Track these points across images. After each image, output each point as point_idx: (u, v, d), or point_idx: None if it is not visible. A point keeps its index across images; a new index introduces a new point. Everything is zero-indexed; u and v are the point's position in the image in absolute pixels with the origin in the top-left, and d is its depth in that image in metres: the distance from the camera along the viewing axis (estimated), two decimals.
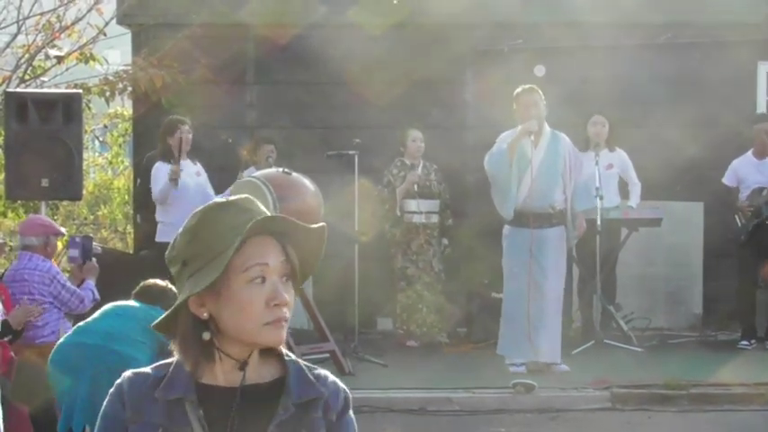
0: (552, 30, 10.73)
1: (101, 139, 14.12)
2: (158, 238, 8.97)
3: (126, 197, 14.06)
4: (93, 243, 7.69)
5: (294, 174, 8.67)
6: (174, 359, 2.19)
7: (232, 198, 2.18)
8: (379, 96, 10.52)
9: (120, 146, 13.73)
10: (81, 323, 5.69)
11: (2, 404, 5.03)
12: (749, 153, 9.95)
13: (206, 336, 2.12)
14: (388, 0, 10.72)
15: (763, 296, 9.85)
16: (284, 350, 2.19)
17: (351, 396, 2.23)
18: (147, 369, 2.20)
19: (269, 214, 2.16)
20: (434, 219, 9.88)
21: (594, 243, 9.20)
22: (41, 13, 11.14)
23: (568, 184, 8.58)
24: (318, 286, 10.27)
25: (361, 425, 6.88)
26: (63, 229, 7.87)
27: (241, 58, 10.91)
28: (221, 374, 2.15)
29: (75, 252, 7.55)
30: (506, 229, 8.57)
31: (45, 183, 8.46)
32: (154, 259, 8.27)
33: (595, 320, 9.48)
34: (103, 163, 15.18)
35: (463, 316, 10.16)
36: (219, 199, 2.19)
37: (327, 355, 8.79)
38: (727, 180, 9.89)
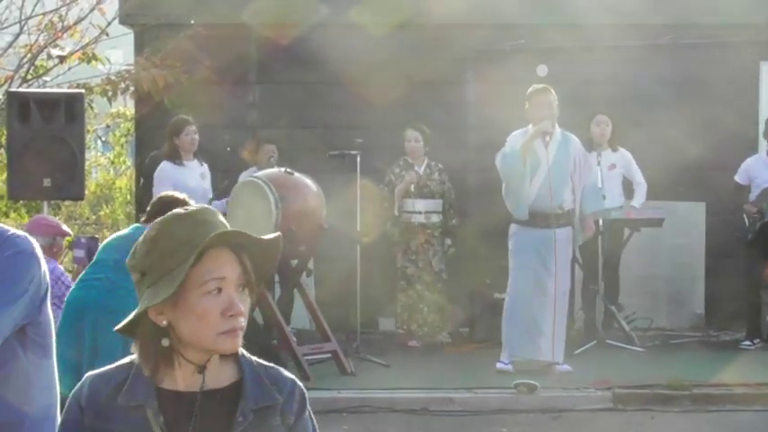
0: (554, 30, 10.72)
1: (103, 138, 14.13)
2: None
3: (128, 197, 14.07)
4: (99, 244, 7.68)
5: (296, 174, 8.67)
6: (132, 358, 2.24)
7: (191, 209, 2.23)
8: (380, 97, 10.50)
9: (122, 146, 13.74)
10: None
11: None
12: (763, 153, 9.99)
13: (165, 342, 2.18)
14: (390, 0, 10.71)
15: (764, 296, 9.85)
16: (241, 351, 2.25)
17: (306, 393, 2.29)
18: (110, 369, 2.25)
19: (226, 227, 2.21)
20: (435, 219, 9.86)
21: (597, 243, 9.21)
22: (44, 13, 11.14)
23: (577, 186, 8.60)
24: (320, 287, 10.26)
25: (363, 425, 6.92)
26: (69, 230, 7.87)
27: (243, 59, 10.91)
28: (181, 379, 2.21)
29: (80, 252, 7.55)
30: (513, 227, 8.57)
31: (47, 183, 8.47)
32: None
33: (597, 321, 9.49)
34: (106, 163, 15.19)
35: (465, 316, 10.15)
36: (180, 210, 2.23)
37: (329, 355, 8.79)
38: (739, 178, 9.89)
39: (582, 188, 8.62)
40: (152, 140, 9.78)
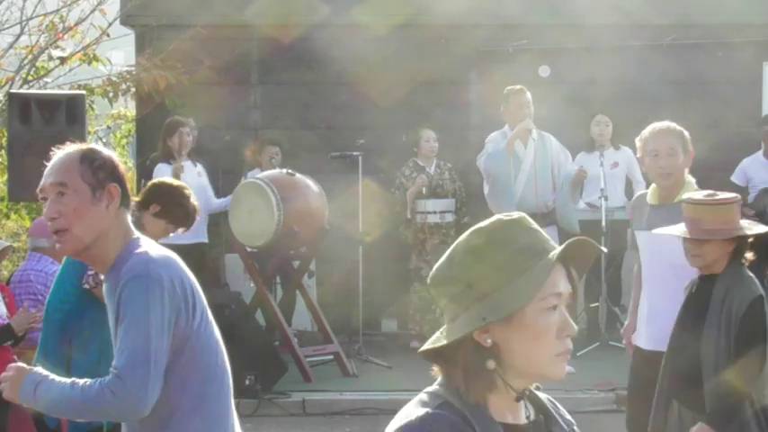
0: (556, 30, 10.72)
1: (104, 140, 14.10)
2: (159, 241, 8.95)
3: None
4: None
5: (298, 175, 8.67)
6: (435, 393, 2.01)
7: (515, 216, 2.03)
8: (383, 97, 10.51)
9: (123, 147, 13.70)
10: None
11: (5, 406, 5.01)
12: (759, 153, 9.96)
13: (490, 365, 1.95)
14: (393, 0, 10.71)
15: None
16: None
17: None
18: (444, 413, 1.95)
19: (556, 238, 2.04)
20: (449, 218, 9.84)
21: (599, 244, 9.14)
22: (45, 14, 11.12)
23: (557, 182, 8.64)
24: (322, 288, 10.26)
25: (365, 427, 6.87)
26: None
27: (245, 59, 10.91)
28: (507, 410, 2.00)
29: None
30: None
31: None
32: None
33: (600, 322, 9.47)
34: None
35: None
36: (503, 216, 2.03)
37: (331, 356, 8.79)
38: (735, 179, 9.88)
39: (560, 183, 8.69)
40: (153, 142, 9.76)
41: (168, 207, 5.09)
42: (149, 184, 5.40)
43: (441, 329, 2.03)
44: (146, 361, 2.79)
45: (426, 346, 2.02)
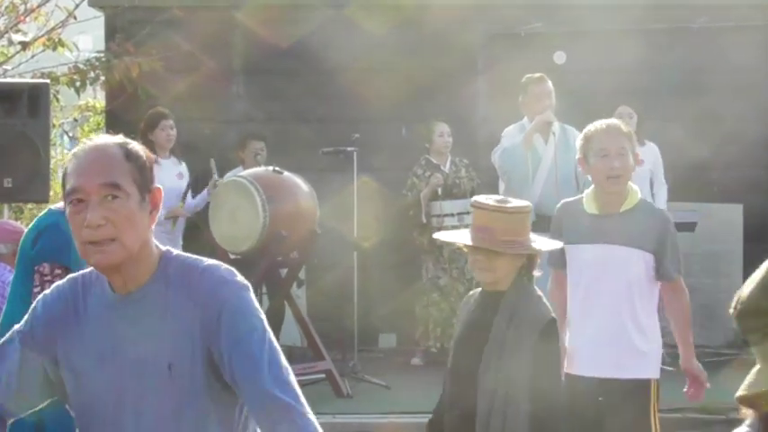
0: (573, 12, 10.73)
1: (70, 134, 14.11)
2: None
3: None
4: None
5: (286, 173, 8.67)
6: None
7: None
8: (380, 87, 10.51)
9: None
10: None
11: None
12: None
13: None
14: None
15: None
16: None
17: None
18: None
19: None
20: (468, 220, 9.78)
21: None
22: None
23: (581, 183, 8.62)
24: (313, 298, 10.25)
25: None
26: None
27: (227, 45, 10.91)
28: None
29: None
30: None
31: (8, 183, 8.43)
32: None
33: None
34: None
35: None
36: None
37: (323, 375, 8.78)
38: None
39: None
40: (125, 136, 9.77)
41: None
42: None
43: (754, 369, 1.92)
44: (289, 373, 2.82)
45: (745, 391, 1.89)
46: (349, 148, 9.33)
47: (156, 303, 2.83)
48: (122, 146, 2.85)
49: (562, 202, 5.52)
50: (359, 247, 9.43)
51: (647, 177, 9.87)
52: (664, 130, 10.19)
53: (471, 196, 9.80)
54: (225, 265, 2.88)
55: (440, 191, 9.73)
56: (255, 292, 9.42)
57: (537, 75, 8.61)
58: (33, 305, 2.99)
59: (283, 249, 8.62)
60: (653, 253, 5.16)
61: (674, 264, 5.27)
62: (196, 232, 9.31)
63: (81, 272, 2.96)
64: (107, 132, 11.33)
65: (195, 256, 2.91)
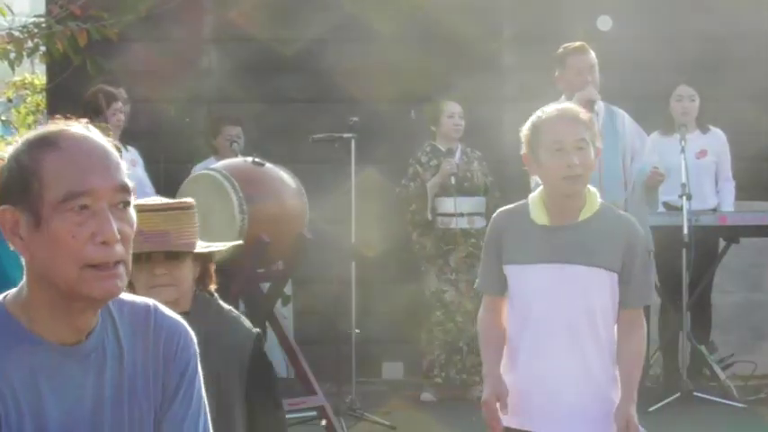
0: None
1: (3, 117, 14.08)
2: None
3: None
4: None
5: (268, 165, 8.59)
6: None
7: None
8: (383, 59, 10.53)
9: (29, 126, 13.66)
10: None
11: None
12: None
13: None
14: None
15: None
16: None
17: None
18: None
19: None
20: (479, 223, 9.80)
21: (680, 259, 9.24)
22: None
23: (630, 177, 8.59)
24: (301, 318, 10.20)
25: None
26: None
27: (195, 7, 10.84)
28: None
29: None
30: None
31: None
32: None
33: (682, 365, 9.47)
34: (7, 150, 15.21)
35: None
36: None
37: (314, 412, 8.74)
38: None
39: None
40: (69, 118, 9.69)
41: None
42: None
43: None
44: None
45: None
46: (345, 135, 9.29)
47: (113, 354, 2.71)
48: (114, 146, 2.70)
49: (499, 211, 5.19)
50: (358, 255, 9.39)
51: (711, 170, 9.87)
52: (731, 113, 10.16)
53: (485, 194, 9.78)
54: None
55: (453, 180, 9.67)
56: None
57: (577, 43, 8.59)
58: None
59: (265, 259, 8.56)
60: (619, 272, 4.90)
61: (643, 288, 5.02)
62: None
63: None
64: (49, 116, 11.25)
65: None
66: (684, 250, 9.13)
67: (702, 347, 9.60)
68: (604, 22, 10.56)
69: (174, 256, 4.38)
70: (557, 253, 4.81)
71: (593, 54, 8.50)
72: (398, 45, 10.61)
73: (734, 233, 9.69)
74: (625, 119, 8.68)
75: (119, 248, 2.55)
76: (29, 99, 13.73)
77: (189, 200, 4.58)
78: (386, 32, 10.62)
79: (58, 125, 2.64)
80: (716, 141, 9.85)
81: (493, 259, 4.99)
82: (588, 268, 4.83)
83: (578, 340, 4.84)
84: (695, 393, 9.23)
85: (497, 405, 4.86)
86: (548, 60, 8.81)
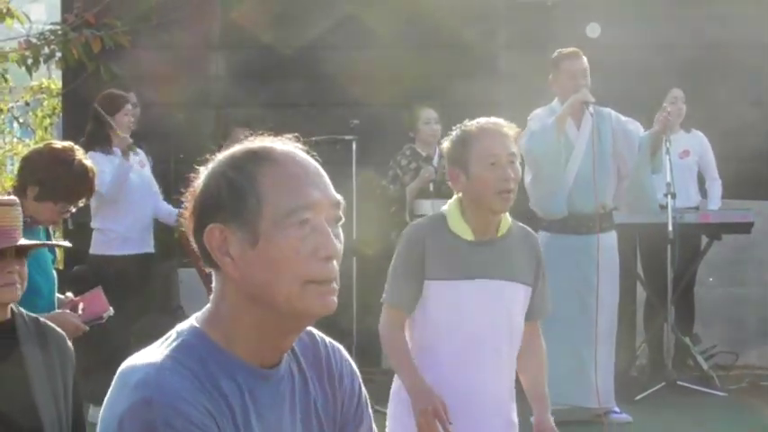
0: None
1: (21, 120, 14.15)
2: (93, 250, 8.99)
3: None
4: None
5: None
6: None
7: None
8: (384, 65, 10.56)
9: (45, 129, 13.75)
10: None
11: None
12: None
13: None
14: None
15: None
16: None
17: None
18: None
19: None
20: None
21: (665, 255, 9.26)
22: None
23: (624, 170, 8.65)
24: None
25: None
26: None
27: (204, 15, 10.93)
28: None
29: None
30: (543, 236, 8.58)
31: None
32: (89, 277, 8.31)
33: (666, 356, 9.55)
34: (25, 151, 15.23)
35: None
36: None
37: None
38: None
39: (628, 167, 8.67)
40: (84, 122, 9.80)
41: (47, 183, 5.23)
42: (21, 159, 5.55)
43: None
44: None
45: None
46: (347, 137, 9.39)
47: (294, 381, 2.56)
48: None
49: (415, 224, 5.02)
50: (359, 252, 9.49)
51: (693, 171, 9.92)
52: (715, 116, 10.21)
53: None
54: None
55: (432, 186, 9.67)
56: None
57: (570, 49, 8.63)
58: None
59: None
60: (532, 287, 4.81)
61: (547, 300, 4.92)
62: (164, 245, 9.37)
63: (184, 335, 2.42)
64: (64, 118, 11.29)
65: None
66: (669, 246, 9.16)
67: (686, 339, 9.68)
68: (593, 29, 10.58)
69: (24, 253, 4.23)
70: (482, 269, 4.68)
71: (585, 60, 8.52)
72: (398, 50, 10.64)
73: (716, 230, 9.70)
74: (612, 117, 8.66)
75: (336, 265, 2.42)
76: (45, 103, 13.70)
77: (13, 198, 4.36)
78: (386, 38, 10.62)
79: (263, 141, 2.51)
80: (698, 142, 9.90)
81: (412, 274, 4.75)
82: (511, 284, 4.73)
83: (501, 354, 4.71)
84: (679, 383, 9.28)
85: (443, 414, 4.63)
86: (541, 65, 8.87)
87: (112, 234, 8.92)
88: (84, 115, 9.88)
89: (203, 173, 2.42)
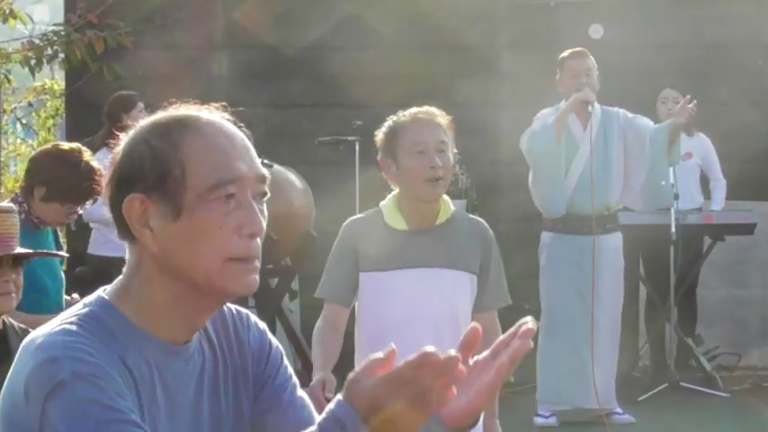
0: None
1: (24, 121, 14.15)
2: (91, 250, 8.96)
3: None
4: None
5: (276, 166, 8.70)
6: None
7: None
8: (387, 65, 10.55)
9: (48, 130, 13.74)
10: None
11: None
12: None
13: None
14: None
15: None
16: None
17: None
18: None
19: None
20: None
21: (668, 256, 9.27)
22: None
23: (633, 173, 8.60)
24: (308, 312, 10.28)
25: None
26: None
27: (207, 16, 10.93)
28: None
29: None
30: (546, 236, 8.58)
31: None
32: (91, 279, 8.27)
33: (669, 357, 9.53)
34: (28, 152, 15.22)
35: None
36: None
37: None
38: None
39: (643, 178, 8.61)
40: (88, 123, 9.78)
41: (53, 184, 5.22)
42: (28, 160, 5.53)
43: None
44: None
45: None
46: (350, 138, 9.37)
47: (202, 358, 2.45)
48: None
49: (350, 220, 4.96)
50: None
51: (696, 172, 9.90)
52: (715, 116, 10.19)
53: (466, 197, 9.78)
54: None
55: None
56: (242, 305, 9.53)
57: (577, 49, 8.60)
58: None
59: (273, 256, 8.65)
60: (478, 275, 4.76)
61: (499, 289, 4.84)
62: None
63: (89, 308, 2.31)
64: (67, 119, 11.26)
65: None
66: (672, 248, 9.17)
67: (689, 340, 9.67)
68: (596, 30, 10.57)
69: (20, 262, 4.21)
70: (419, 257, 4.66)
71: (591, 59, 8.49)
72: (401, 51, 10.62)
73: (719, 231, 9.70)
74: (621, 117, 8.62)
75: (259, 243, 2.30)
76: (48, 103, 13.70)
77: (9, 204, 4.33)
78: (389, 39, 10.62)
79: (189, 109, 2.40)
80: (700, 145, 9.88)
81: (346, 267, 4.77)
82: (451, 271, 4.70)
83: (443, 346, 4.61)
84: (682, 384, 9.26)
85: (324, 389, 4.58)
86: (543, 66, 8.85)
87: (112, 234, 8.88)
88: (88, 116, 9.87)
89: (124, 139, 2.31)
